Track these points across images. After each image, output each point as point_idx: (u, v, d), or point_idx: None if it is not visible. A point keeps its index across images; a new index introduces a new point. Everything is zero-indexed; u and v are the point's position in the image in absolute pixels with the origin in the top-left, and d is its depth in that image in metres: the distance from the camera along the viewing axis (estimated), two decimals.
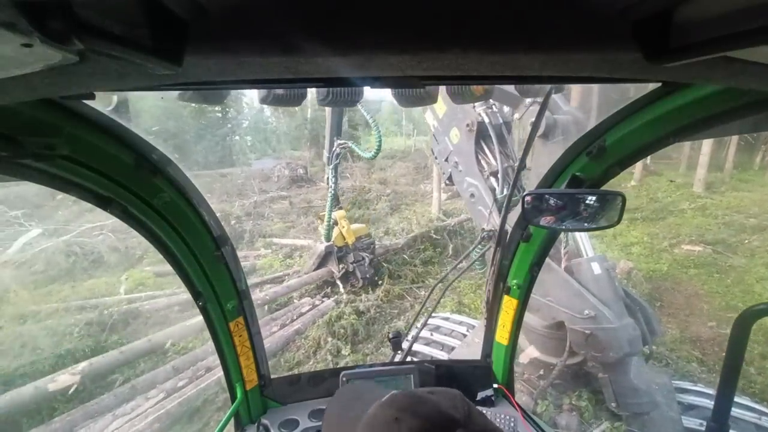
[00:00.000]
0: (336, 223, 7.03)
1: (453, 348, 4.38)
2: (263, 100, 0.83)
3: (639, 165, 15.93)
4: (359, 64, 0.49)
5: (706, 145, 14.13)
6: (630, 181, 15.78)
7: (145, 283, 8.19)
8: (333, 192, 6.12)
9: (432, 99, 0.88)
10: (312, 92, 0.91)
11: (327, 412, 0.78)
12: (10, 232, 8.85)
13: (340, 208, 7.06)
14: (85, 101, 0.82)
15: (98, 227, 9.30)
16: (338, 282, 7.61)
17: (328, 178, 6.16)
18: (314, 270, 7.58)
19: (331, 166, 5.95)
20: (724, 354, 1.56)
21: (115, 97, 0.97)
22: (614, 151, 1.16)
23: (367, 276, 7.62)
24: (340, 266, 7.46)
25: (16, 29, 0.28)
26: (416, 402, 0.57)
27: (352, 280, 7.69)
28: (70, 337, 6.10)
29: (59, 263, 8.49)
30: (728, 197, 13.40)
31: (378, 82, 0.72)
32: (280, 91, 0.83)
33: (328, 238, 6.95)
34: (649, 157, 16.94)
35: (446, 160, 4.20)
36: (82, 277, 8.44)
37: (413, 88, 0.85)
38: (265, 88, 0.82)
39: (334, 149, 5.80)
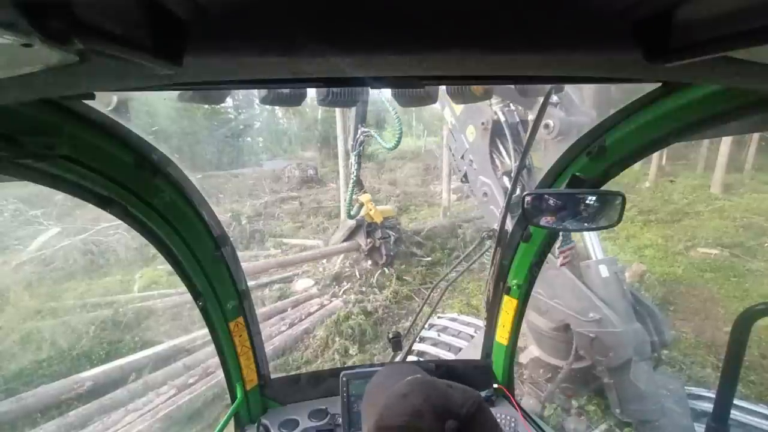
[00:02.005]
0: (362, 205, 7.70)
1: (460, 349, 4.34)
2: (263, 100, 0.84)
3: (654, 166, 15.58)
4: (359, 64, 0.49)
5: (725, 145, 13.70)
6: (644, 182, 15.44)
7: (158, 281, 8.32)
8: (356, 176, 6.58)
9: (432, 99, 0.88)
10: (312, 92, 0.91)
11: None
12: (30, 230, 9.10)
13: (365, 192, 7.67)
14: (85, 101, 0.82)
15: (114, 226, 9.49)
16: (363, 254, 8.31)
17: (351, 163, 6.61)
18: (342, 242, 8.23)
19: (354, 153, 6.26)
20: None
21: (115, 97, 0.98)
22: (614, 151, 1.15)
23: (391, 253, 8.17)
24: (368, 240, 8.02)
25: (16, 29, 0.28)
26: (428, 387, 0.65)
27: (376, 256, 8.24)
28: (86, 335, 6.25)
29: (76, 261, 8.70)
30: (747, 199, 12.96)
31: (378, 82, 0.72)
32: (280, 91, 0.83)
33: (350, 216, 7.60)
34: (664, 158, 16.55)
35: (462, 157, 4.17)
36: (97, 274, 8.64)
37: (413, 88, 0.84)
38: (265, 88, 0.82)
39: (357, 137, 6.04)
